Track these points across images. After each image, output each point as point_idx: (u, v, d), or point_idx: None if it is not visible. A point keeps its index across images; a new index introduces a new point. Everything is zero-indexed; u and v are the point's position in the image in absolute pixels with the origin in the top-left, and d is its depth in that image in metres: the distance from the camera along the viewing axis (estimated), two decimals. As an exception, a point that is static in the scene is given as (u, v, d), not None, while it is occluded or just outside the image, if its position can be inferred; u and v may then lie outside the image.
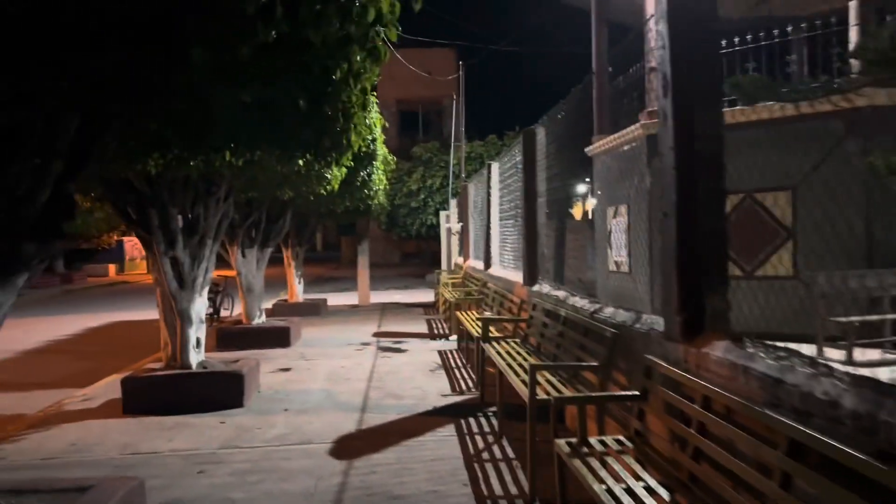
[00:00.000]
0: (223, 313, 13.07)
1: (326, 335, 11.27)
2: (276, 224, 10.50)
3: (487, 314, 9.14)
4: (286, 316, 13.60)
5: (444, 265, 19.13)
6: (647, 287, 7.37)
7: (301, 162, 4.82)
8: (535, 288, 6.84)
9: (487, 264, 10.38)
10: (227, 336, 9.94)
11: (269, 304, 14.86)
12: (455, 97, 20.31)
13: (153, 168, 4.66)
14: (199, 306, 6.78)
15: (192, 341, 6.69)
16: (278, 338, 9.97)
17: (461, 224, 15.19)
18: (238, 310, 12.42)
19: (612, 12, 9.99)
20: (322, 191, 8.01)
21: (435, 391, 7.00)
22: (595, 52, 9.86)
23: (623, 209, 7.96)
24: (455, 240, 17.80)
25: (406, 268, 31.63)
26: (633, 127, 7.38)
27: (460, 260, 15.60)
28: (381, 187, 11.77)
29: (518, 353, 5.84)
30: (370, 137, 8.44)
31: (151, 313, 14.49)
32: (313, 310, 14.02)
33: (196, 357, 6.72)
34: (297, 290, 14.37)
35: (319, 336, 11.15)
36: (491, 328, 6.78)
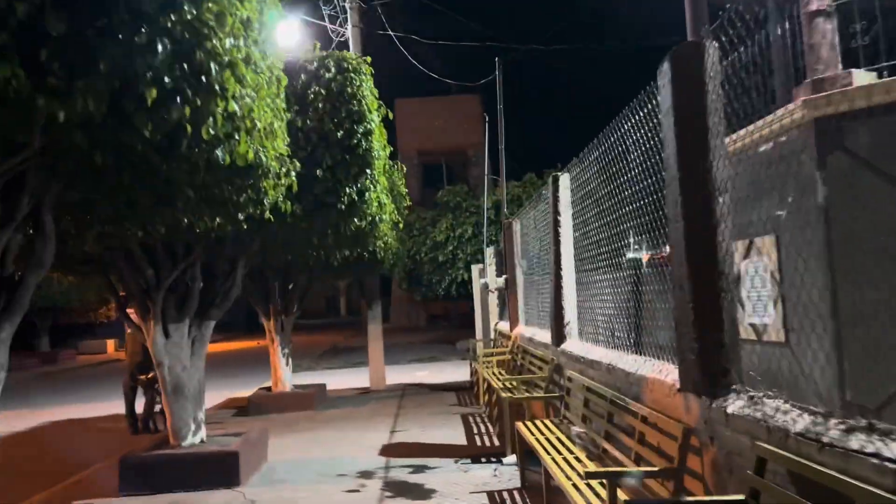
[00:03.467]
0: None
1: (309, 452, 7.29)
2: (222, 283, 6.68)
3: (576, 429, 5.11)
4: (266, 412, 9.76)
5: (479, 332, 15.02)
6: (830, 369, 3.77)
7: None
8: (734, 408, 2.85)
9: (559, 336, 6.41)
10: (135, 469, 6.01)
11: (246, 393, 11.02)
12: (486, 119, 16.71)
13: None
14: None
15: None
16: (220, 470, 6.03)
17: (504, 277, 11.27)
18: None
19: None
20: (265, 213, 4.22)
21: None
22: (690, 23, 6.37)
23: (767, 242, 4.30)
24: (493, 298, 13.82)
25: (433, 332, 27.41)
26: (782, 111, 4.08)
27: (504, 325, 11.61)
28: (387, 216, 7.75)
29: None
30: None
31: (111, 406, 10.71)
32: (304, 402, 10.10)
33: None
34: (283, 376, 10.47)
35: (297, 455, 7.17)
36: (621, 493, 2.82)
